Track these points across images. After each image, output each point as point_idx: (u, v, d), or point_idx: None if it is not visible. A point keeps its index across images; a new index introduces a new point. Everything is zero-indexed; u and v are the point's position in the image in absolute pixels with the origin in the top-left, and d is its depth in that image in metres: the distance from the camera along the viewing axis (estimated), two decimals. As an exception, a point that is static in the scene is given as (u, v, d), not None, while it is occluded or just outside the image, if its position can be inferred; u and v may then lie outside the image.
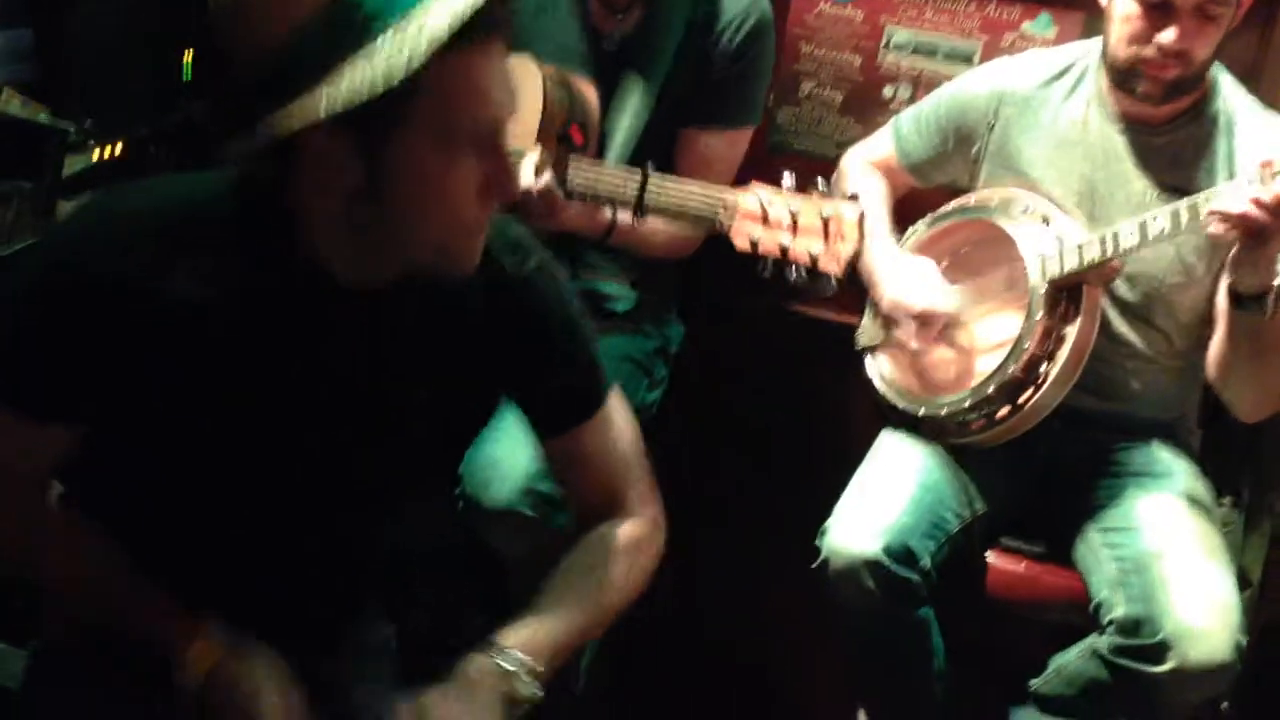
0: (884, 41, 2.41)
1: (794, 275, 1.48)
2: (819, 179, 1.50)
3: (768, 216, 1.46)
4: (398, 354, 1.21)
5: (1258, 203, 1.56)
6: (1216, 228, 1.62)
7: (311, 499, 1.23)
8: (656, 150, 1.86)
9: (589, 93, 1.91)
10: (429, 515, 1.49)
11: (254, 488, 1.21)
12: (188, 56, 2.32)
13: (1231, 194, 1.60)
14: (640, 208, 1.66)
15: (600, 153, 1.93)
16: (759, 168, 2.10)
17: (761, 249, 1.47)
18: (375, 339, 1.20)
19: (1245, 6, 1.75)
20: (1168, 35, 1.72)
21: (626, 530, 1.33)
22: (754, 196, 1.49)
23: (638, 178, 1.67)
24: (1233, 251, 1.66)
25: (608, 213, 1.83)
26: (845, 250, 1.42)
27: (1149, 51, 1.75)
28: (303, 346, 1.18)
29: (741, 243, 1.49)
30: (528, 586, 1.30)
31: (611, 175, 1.72)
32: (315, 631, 1.31)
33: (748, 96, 2.04)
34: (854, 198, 1.44)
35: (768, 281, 1.50)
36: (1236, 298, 1.70)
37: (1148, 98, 1.81)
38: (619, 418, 1.35)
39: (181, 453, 1.18)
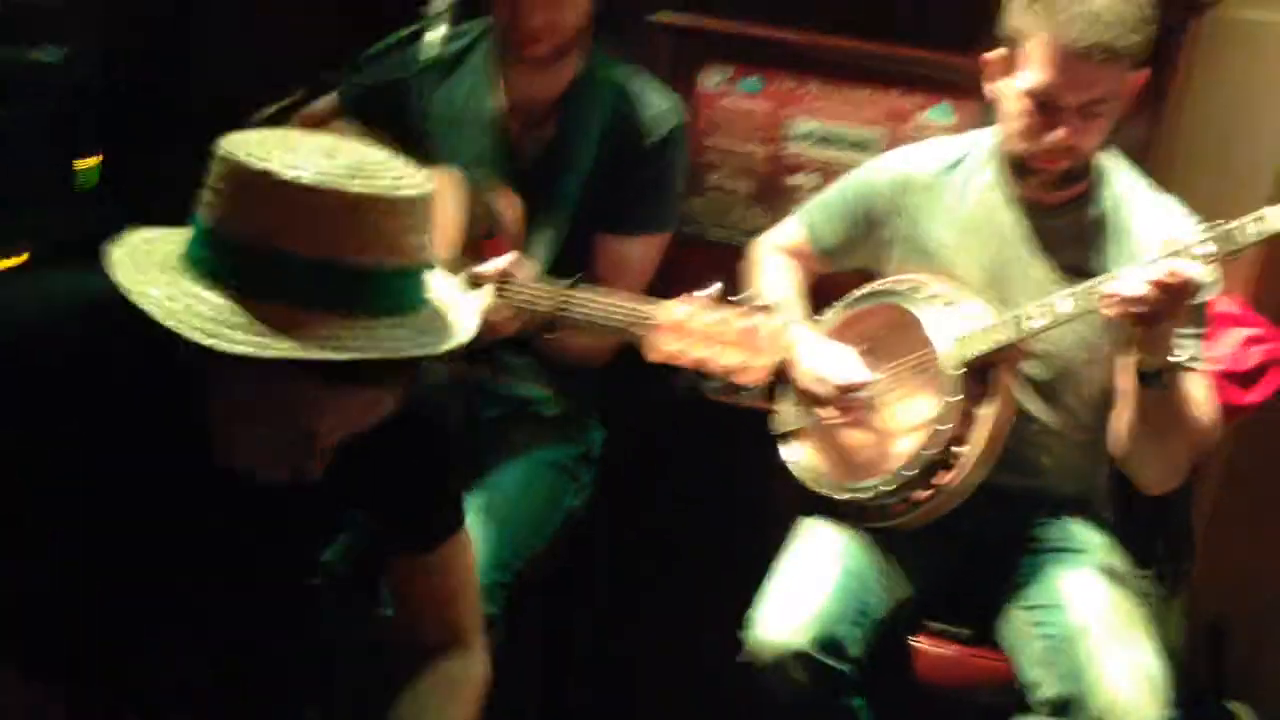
0: (787, 132, 2.46)
1: (712, 389, 1.45)
2: (719, 284, 1.48)
3: (686, 329, 1.43)
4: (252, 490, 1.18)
5: (1150, 285, 1.61)
6: (1113, 312, 1.66)
7: (191, 618, 1.23)
8: (577, 259, 1.85)
9: (511, 205, 1.90)
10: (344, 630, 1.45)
11: (132, 608, 1.20)
12: (85, 164, 2.30)
13: (1126, 279, 1.65)
14: (553, 322, 1.64)
15: None
16: (669, 259, 2.12)
17: (679, 362, 1.44)
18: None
19: (1133, 95, 1.80)
20: (1055, 135, 1.77)
21: (477, 667, 1.35)
22: (671, 309, 1.46)
23: (562, 294, 1.64)
24: (1132, 330, 1.70)
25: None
26: (764, 363, 1.40)
27: (1038, 148, 1.80)
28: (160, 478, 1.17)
29: (654, 356, 1.46)
30: None
31: (535, 290, 1.69)
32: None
33: (664, 202, 2.05)
34: (768, 308, 1.43)
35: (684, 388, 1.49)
36: (1138, 375, 1.73)
37: (1041, 187, 1.86)
38: (468, 546, 1.37)
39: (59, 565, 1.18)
